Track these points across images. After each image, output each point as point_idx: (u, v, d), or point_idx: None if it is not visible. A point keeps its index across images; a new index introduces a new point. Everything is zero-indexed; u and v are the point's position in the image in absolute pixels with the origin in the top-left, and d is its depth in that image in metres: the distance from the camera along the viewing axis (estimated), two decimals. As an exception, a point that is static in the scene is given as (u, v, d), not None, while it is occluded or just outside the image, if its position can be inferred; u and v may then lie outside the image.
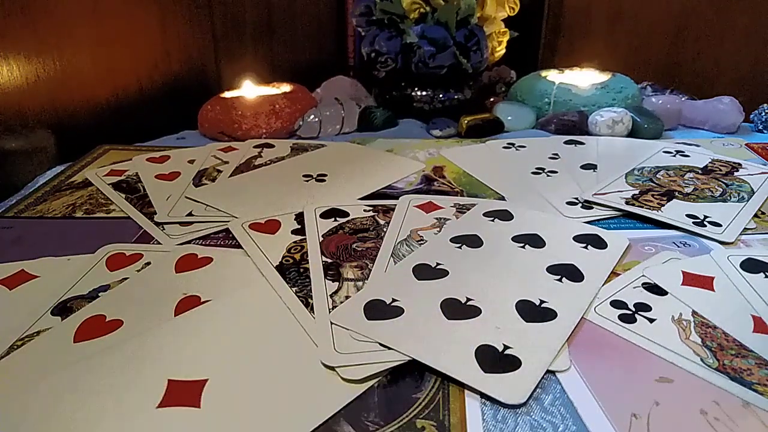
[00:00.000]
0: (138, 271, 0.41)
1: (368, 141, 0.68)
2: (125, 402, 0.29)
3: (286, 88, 0.75)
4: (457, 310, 0.35)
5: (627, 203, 0.50)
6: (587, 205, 0.51)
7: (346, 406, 0.29)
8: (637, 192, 0.52)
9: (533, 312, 0.35)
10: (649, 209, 0.49)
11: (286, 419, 0.28)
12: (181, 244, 0.45)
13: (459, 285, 0.38)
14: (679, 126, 0.74)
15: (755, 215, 0.49)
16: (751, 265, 0.40)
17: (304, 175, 0.57)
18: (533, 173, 0.58)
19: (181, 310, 0.36)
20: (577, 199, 0.52)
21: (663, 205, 0.49)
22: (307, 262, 0.41)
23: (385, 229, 0.46)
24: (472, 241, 0.44)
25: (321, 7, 0.98)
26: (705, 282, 0.39)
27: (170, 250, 0.43)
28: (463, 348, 0.32)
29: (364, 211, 0.49)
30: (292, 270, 0.40)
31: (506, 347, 0.32)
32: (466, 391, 0.30)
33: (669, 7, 0.93)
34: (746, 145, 0.66)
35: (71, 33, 0.63)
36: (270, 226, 0.46)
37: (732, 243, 0.44)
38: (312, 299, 0.37)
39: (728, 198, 0.51)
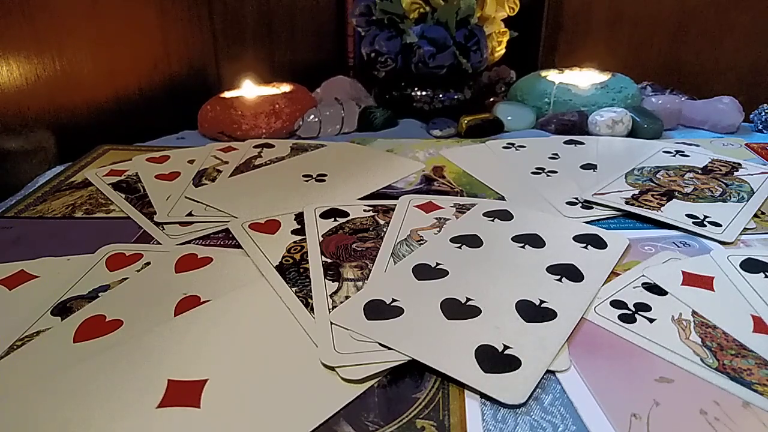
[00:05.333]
0: (138, 271, 0.41)
1: (368, 141, 0.68)
2: (125, 402, 0.29)
3: (286, 88, 0.75)
4: (456, 310, 0.35)
5: (627, 203, 0.50)
6: (587, 205, 0.51)
7: (346, 406, 0.29)
8: (636, 192, 0.52)
9: (533, 312, 0.35)
10: (649, 209, 0.49)
11: (286, 419, 0.28)
12: (181, 244, 0.45)
13: (459, 285, 0.38)
14: (679, 126, 0.74)
15: (755, 215, 0.49)
16: (751, 265, 0.40)
17: (304, 175, 0.57)
18: (533, 173, 0.58)
19: (181, 310, 0.36)
20: (577, 199, 0.52)
21: (663, 205, 0.49)
22: (307, 262, 0.41)
23: (385, 229, 0.46)
24: (472, 241, 0.44)
25: (321, 7, 0.98)
26: (705, 282, 0.39)
27: (170, 250, 0.43)
28: (463, 348, 0.32)
29: (364, 211, 0.49)
30: (292, 270, 0.40)
31: (506, 347, 0.32)
32: (466, 391, 0.30)
33: (669, 7, 0.93)
34: (746, 145, 0.66)
35: (71, 33, 0.63)
36: (270, 226, 0.46)
37: (732, 243, 0.44)
38: (312, 299, 0.37)
39: (728, 198, 0.51)
